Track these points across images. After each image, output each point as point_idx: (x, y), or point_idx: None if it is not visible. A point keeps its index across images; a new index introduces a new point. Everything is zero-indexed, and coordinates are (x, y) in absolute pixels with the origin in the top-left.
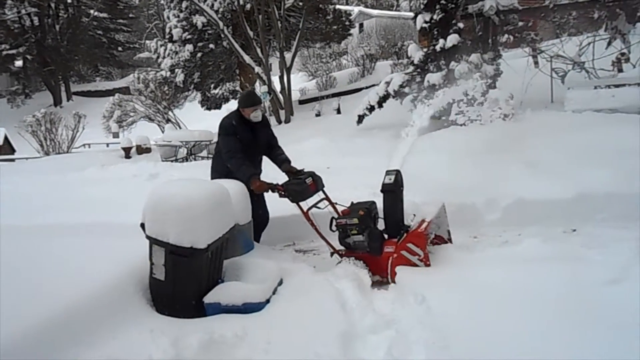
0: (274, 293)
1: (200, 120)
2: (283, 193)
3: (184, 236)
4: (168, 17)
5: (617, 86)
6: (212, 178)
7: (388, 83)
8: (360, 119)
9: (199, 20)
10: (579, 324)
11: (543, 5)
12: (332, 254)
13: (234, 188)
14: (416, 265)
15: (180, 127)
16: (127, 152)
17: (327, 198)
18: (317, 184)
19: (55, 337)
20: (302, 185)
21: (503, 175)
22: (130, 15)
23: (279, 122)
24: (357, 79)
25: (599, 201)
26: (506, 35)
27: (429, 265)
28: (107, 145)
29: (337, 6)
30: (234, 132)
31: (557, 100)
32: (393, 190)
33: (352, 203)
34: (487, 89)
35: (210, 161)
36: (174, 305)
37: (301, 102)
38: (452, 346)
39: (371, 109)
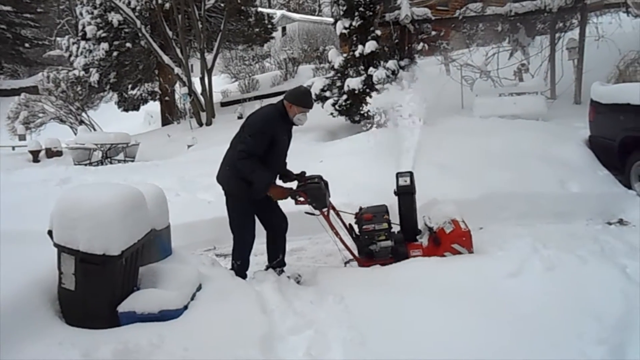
0: (192, 299)
1: (117, 122)
2: (303, 200)
3: (95, 243)
4: (81, 14)
5: (518, 94)
6: (233, 185)
7: (309, 87)
8: None
9: (114, 17)
10: (484, 315)
11: (454, 16)
12: (346, 263)
13: (150, 192)
14: None
15: (94, 129)
16: (35, 155)
17: (331, 205)
18: (327, 188)
19: None
20: (322, 189)
21: (417, 177)
22: (39, 9)
23: (200, 124)
24: (279, 82)
25: (503, 201)
26: (421, 44)
27: None
28: (13, 148)
29: (260, 9)
30: (271, 133)
31: (467, 106)
32: (411, 192)
33: (360, 208)
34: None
35: (128, 164)
36: (86, 315)
37: (223, 104)
38: (369, 342)
39: None
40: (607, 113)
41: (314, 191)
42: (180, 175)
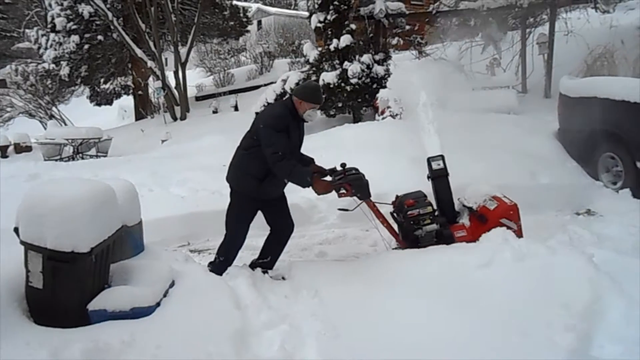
0: (165, 295)
1: (92, 117)
2: (346, 192)
3: (63, 240)
4: (50, 5)
5: (490, 88)
6: (243, 183)
7: (285, 81)
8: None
9: (85, 9)
10: (456, 306)
11: (428, 11)
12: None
13: (121, 187)
14: None
15: (65, 124)
16: (3, 150)
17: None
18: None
19: None
20: (364, 179)
21: (391, 171)
22: (6, 0)
23: (174, 118)
24: (255, 76)
25: None
26: (396, 38)
27: (522, 236)
28: None
29: (235, 2)
30: (286, 128)
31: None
32: (445, 175)
33: (397, 196)
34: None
35: (100, 160)
36: (55, 314)
37: (198, 98)
38: (342, 335)
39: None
40: (575, 106)
41: (358, 182)
42: (154, 170)
